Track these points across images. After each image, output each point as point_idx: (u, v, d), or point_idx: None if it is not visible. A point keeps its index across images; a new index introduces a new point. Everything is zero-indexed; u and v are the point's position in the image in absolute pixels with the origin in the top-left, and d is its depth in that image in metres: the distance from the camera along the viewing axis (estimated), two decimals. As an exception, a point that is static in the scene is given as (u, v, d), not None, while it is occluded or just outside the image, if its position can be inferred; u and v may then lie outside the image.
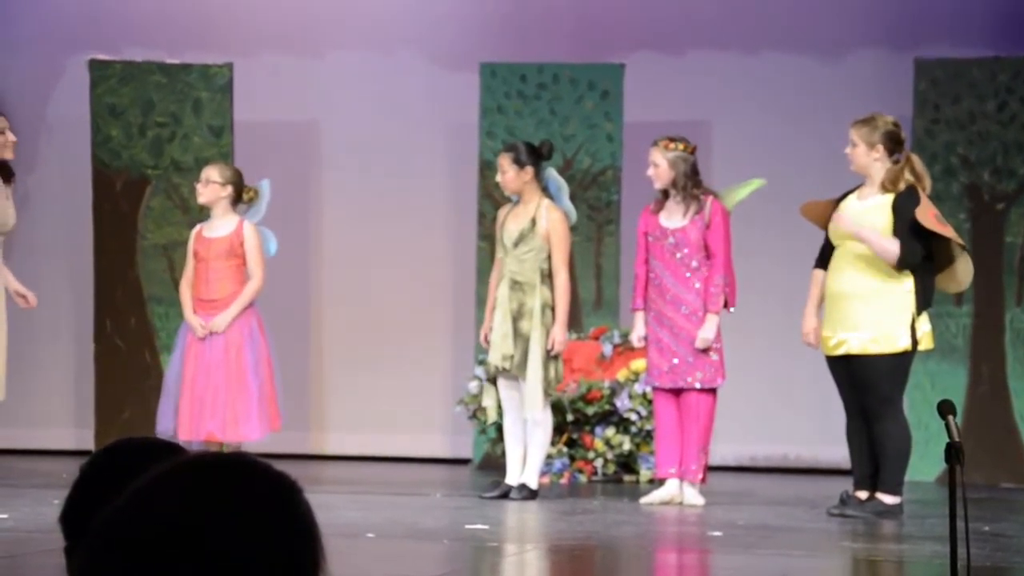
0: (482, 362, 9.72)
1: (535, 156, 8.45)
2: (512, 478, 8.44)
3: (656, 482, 9.17)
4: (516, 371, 8.35)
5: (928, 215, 7.65)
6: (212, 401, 8.55)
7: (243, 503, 1.66)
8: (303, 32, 10.76)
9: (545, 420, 8.42)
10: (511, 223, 8.45)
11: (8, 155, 8.13)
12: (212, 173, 8.71)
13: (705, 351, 8.21)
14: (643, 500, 8.33)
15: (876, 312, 7.69)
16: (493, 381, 8.54)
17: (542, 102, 10.31)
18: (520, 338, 8.36)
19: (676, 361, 8.24)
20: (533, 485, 8.40)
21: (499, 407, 8.56)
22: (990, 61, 9.94)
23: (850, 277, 7.75)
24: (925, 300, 7.72)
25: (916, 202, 7.65)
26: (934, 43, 10.19)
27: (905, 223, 7.64)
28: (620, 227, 10.23)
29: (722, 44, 10.54)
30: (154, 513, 1.65)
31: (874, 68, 10.34)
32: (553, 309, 8.39)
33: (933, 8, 10.33)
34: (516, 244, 8.40)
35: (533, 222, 8.39)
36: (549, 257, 8.39)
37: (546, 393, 8.42)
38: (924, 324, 7.75)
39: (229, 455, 1.72)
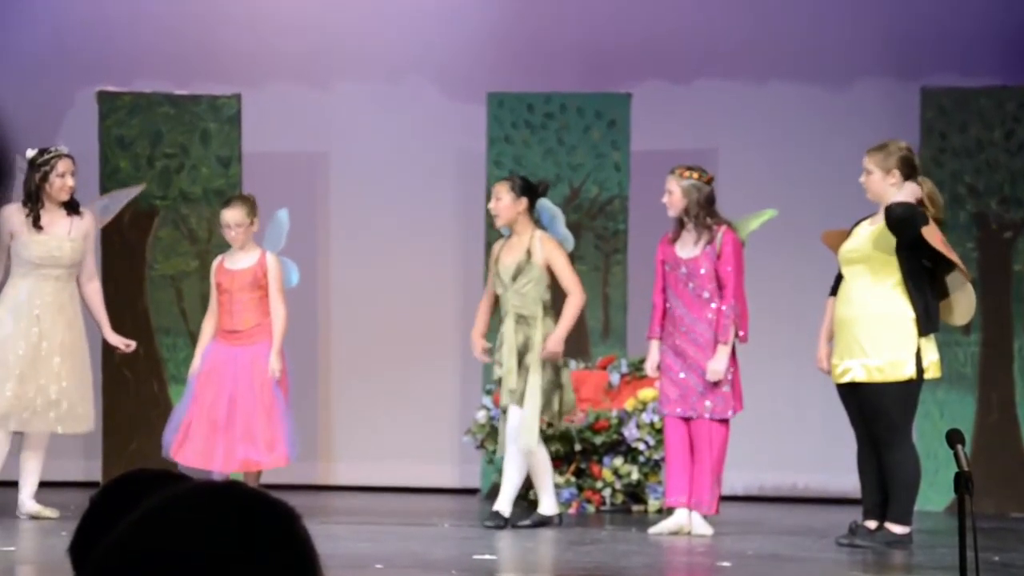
0: (490, 392, 9.72)
1: (531, 190, 8.51)
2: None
3: (665, 511, 9.15)
4: (517, 401, 8.37)
5: (935, 237, 7.64)
6: (247, 430, 8.56)
7: (242, 531, 1.67)
8: (311, 63, 10.79)
9: (540, 452, 8.42)
10: (506, 257, 8.48)
11: (63, 197, 8.66)
12: (237, 216, 8.67)
13: (716, 382, 8.20)
14: (652, 530, 8.32)
15: (880, 339, 7.68)
16: (505, 412, 8.56)
17: (549, 131, 10.33)
18: (524, 371, 8.38)
19: (687, 390, 8.24)
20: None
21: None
22: (997, 90, 9.95)
23: (854, 303, 7.75)
24: (929, 324, 7.70)
25: (924, 222, 7.64)
26: (941, 72, 10.20)
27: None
28: (627, 256, 10.23)
29: (729, 73, 10.55)
30: (153, 543, 1.65)
31: (881, 97, 10.35)
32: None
33: (940, 37, 10.34)
34: (515, 277, 8.42)
35: (529, 253, 8.42)
36: (549, 287, 8.42)
37: (558, 419, 8.44)
38: (931, 353, 7.73)
39: (226, 484, 1.73)
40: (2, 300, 8.60)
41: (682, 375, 8.24)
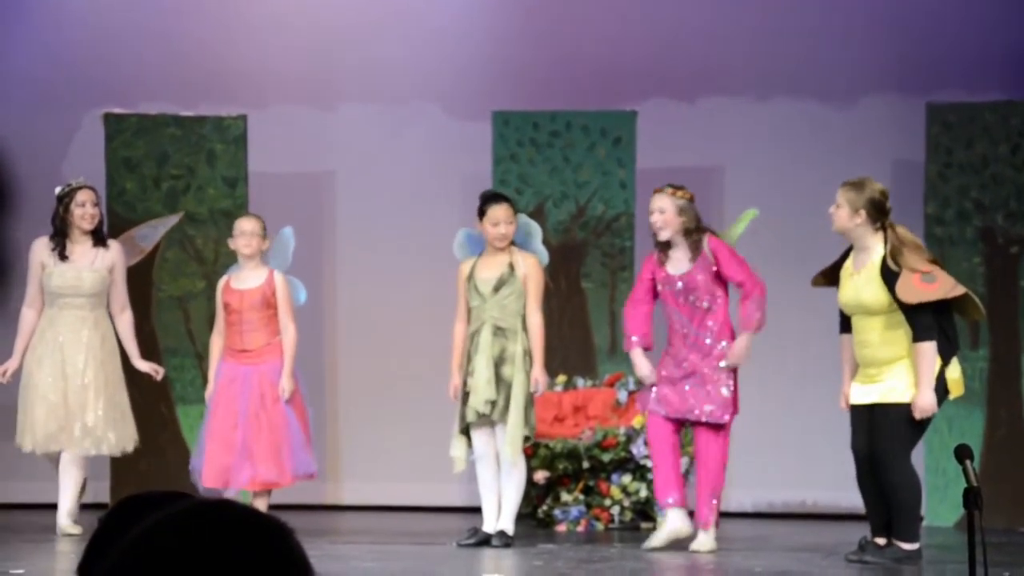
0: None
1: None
2: (489, 525, 8.44)
3: (658, 520, 9.14)
4: (499, 417, 8.37)
5: (913, 286, 7.57)
6: (256, 449, 8.60)
7: (237, 548, 1.68)
8: (316, 83, 10.80)
9: (520, 465, 8.45)
10: (484, 272, 8.51)
11: (85, 225, 9.02)
12: (255, 226, 8.84)
13: (716, 386, 8.14)
14: (646, 545, 8.25)
15: (905, 372, 7.66)
16: (464, 431, 8.54)
17: (555, 150, 10.34)
18: (503, 384, 8.38)
19: (687, 390, 8.18)
20: (511, 531, 8.41)
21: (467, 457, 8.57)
22: (1002, 105, 9.95)
23: (874, 346, 7.70)
24: (949, 350, 7.70)
25: (894, 277, 7.61)
26: (946, 88, 10.20)
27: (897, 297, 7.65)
28: (634, 273, 10.23)
29: (734, 90, 10.56)
30: (148, 563, 1.67)
31: (887, 113, 10.35)
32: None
33: (945, 53, 10.35)
34: (496, 289, 8.45)
35: (511, 267, 8.44)
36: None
37: (524, 439, 8.47)
38: (953, 370, 7.73)
39: (218, 501, 1.75)
40: (37, 329, 9.02)
41: (683, 382, 8.21)
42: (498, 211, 8.48)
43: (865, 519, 8.11)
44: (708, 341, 8.22)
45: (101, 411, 8.91)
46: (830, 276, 7.94)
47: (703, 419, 8.15)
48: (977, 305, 7.79)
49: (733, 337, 8.24)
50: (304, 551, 1.74)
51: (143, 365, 9.14)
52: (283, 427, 8.65)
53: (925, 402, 7.56)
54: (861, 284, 7.70)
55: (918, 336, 7.59)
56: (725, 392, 8.17)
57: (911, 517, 7.70)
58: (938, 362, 7.65)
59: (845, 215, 7.72)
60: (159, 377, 9.24)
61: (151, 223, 9.89)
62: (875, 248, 7.68)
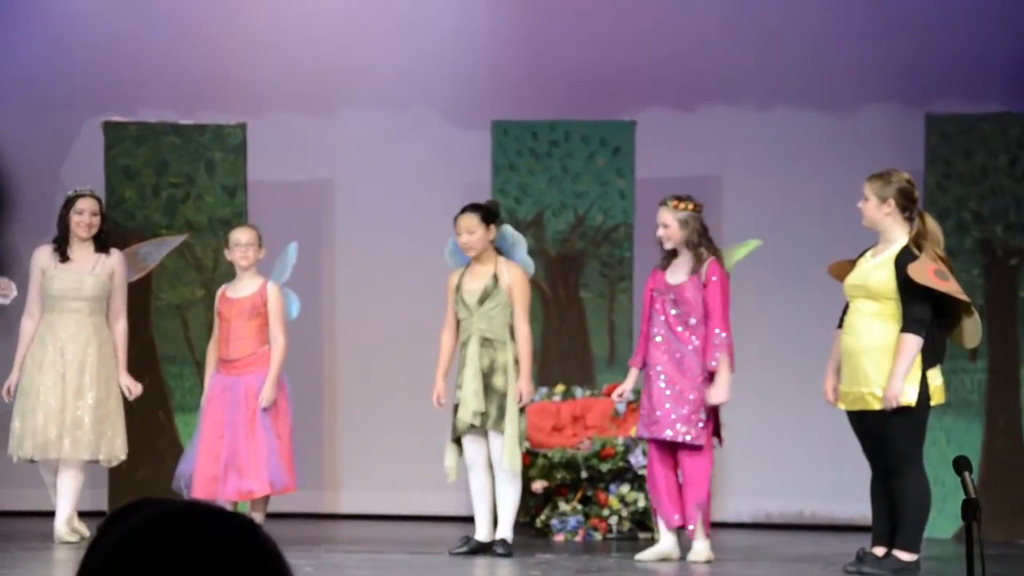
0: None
1: (495, 217, 8.56)
2: (481, 534, 8.46)
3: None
4: (492, 427, 8.38)
5: (925, 271, 7.60)
6: (238, 460, 8.61)
7: (209, 544, 1.71)
8: (316, 91, 10.81)
9: (518, 474, 8.47)
10: (470, 283, 8.52)
11: (81, 233, 9.03)
12: (251, 237, 8.88)
13: (695, 410, 8.13)
14: (639, 556, 8.25)
15: (884, 369, 7.65)
16: (456, 441, 8.56)
17: (554, 159, 10.34)
18: (495, 394, 8.39)
19: (659, 414, 8.18)
20: (511, 539, 8.43)
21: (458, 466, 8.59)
22: (1001, 116, 9.96)
23: (860, 333, 7.74)
24: (935, 356, 7.68)
25: (912, 259, 7.63)
26: (945, 98, 10.21)
27: (904, 281, 7.64)
28: (633, 283, 10.23)
29: (733, 100, 10.57)
30: (124, 568, 1.69)
31: (885, 123, 10.36)
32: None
33: (944, 64, 10.36)
34: (482, 301, 8.46)
35: (495, 278, 8.44)
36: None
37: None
38: (935, 378, 7.72)
39: (187, 503, 1.78)
40: (37, 335, 9.01)
41: (660, 398, 8.19)
42: (460, 221, 8.55)
43: (862, 530, 8.10)
44: (689, 359, 8.17)
45: (93, 417, 8.89)
46: (843, 272, 7.92)
47: (679, 439, 8.15)
48: (974, 329, 7.76)
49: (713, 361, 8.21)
50: (276, 545, 1.76)
51: (124, 379, 9.05)
52: (262, 437, 8.64)
53: (893, 391, 7.55)
54: (873, 266, 7.73)
55: (906, 327, 7.59)
56: (700, 423, 8.14)
57: (917, 525, 7.70)
58: (919, 364, 7.63)
59: (873, 206, 7.74)
60: (132, 397, 9.10)
61: (155, 241, 9.86)
62: (900, 241, 7.70)
